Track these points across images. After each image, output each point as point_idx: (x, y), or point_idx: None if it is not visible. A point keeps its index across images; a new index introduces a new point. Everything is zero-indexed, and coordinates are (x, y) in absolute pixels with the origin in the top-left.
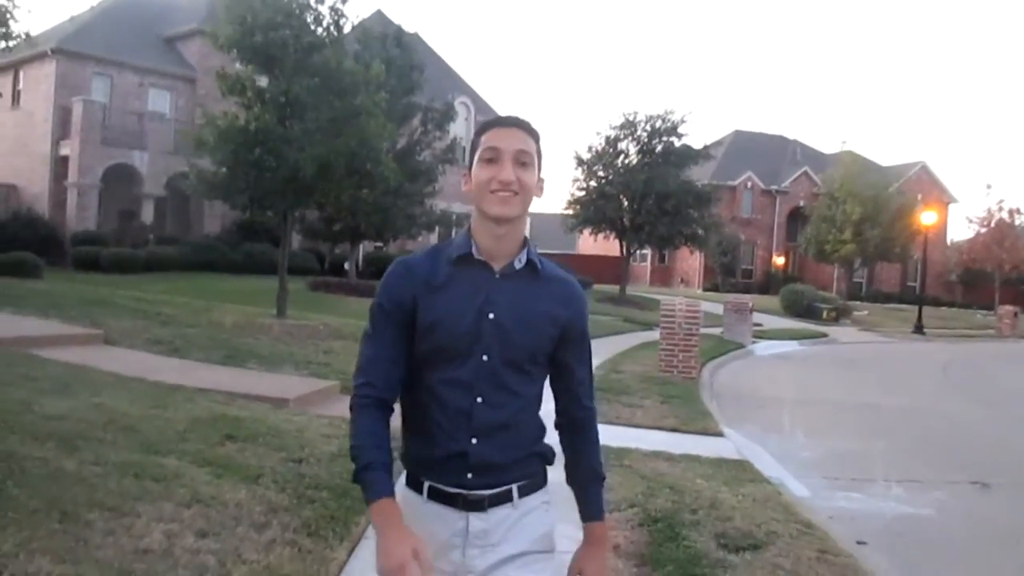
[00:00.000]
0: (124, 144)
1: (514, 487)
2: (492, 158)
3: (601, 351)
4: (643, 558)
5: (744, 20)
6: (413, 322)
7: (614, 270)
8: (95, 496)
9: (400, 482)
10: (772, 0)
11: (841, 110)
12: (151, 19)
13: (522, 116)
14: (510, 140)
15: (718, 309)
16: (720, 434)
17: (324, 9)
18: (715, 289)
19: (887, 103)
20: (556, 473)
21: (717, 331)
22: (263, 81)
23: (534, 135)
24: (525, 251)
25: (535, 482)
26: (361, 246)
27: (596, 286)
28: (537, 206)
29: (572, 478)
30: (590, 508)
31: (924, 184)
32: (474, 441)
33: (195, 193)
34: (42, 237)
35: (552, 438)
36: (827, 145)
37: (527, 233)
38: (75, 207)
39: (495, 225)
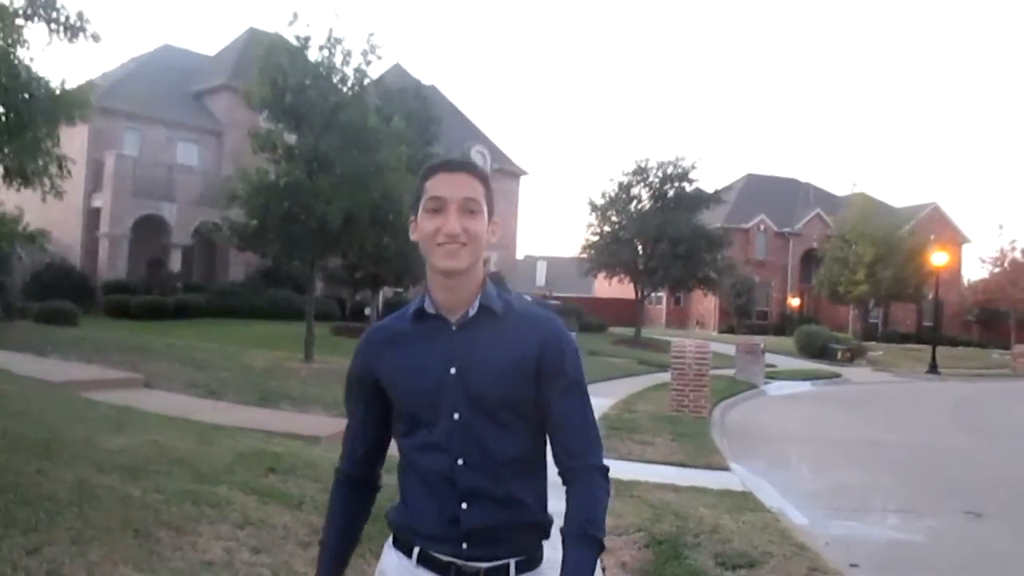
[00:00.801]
0: (153, 195)
1: (512, 563)
2: (437, 208)
3: (616, 392)
4: (647, 574)
5: (756, 65)
6: (380, 390)
7: (629, 312)
8: (160, 518)
9: (387, 543)
10: (784, 45)
11: (853, 152)
12: (180, 75)
13: (465, 159)
14: (455, 187)
15: (732, 350)
16: (726, 468)
17: (349, 71)
18: (731, 331)
19: (899, 145)
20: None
21: (730, 372)
22: (292, 138)
23: (481, 178)
24: (479, 296)
25: (533, 559)
26: (381, 292)
27: (612, 328)
28: (551, 250)
29: (561, 534)
30: (567, 569)
31: (936, 224)
32: (464, 506)
33: (229, 243)
34: (75, 285)
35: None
36: (840, 187)
37: (490, 275)
38: (106, 256)
39: (444, 278)
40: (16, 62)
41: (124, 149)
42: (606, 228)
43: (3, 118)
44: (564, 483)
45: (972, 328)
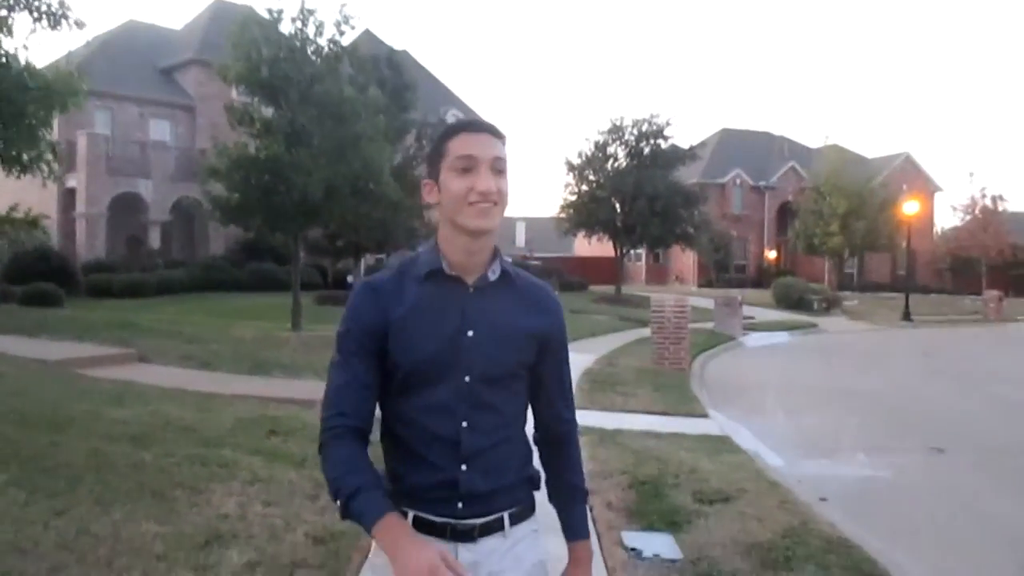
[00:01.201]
0: (128, 173)
1: (505, 515)
2: (468, 167)
3: (597, 348)
4: (631, 511)
5: (729, 19)
6: (384, 348)
7: (609, 271)
8: (174, 479)
9: None
10: None
11: (827, 104)
12: (148, 51)
13: (486, 120)
14: (485, 147)
15: (711, 304)
16: (705, 416)
17: (323, 42)
18: (709, 285)
19: (872, 96)
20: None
21: (710, 325)
22: (269, 112)
23: (503, 139)
24: (498, 261)
25: (524, 509)
26: (363, 259)
27: (592, 287)
28: (531, 211)
29: (554, 496)
30: (573, 527)
31: (909, 175)
32: (464, 468)
33: (211, 219)
34: (54, 267)
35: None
36: (814, 139)
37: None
38: (84, 236)
39: (471, 239)
40: (3, 52)
41: (96, 128)
42: (583, 187)
43: None
44: (547, 443)
45: (945, 276)
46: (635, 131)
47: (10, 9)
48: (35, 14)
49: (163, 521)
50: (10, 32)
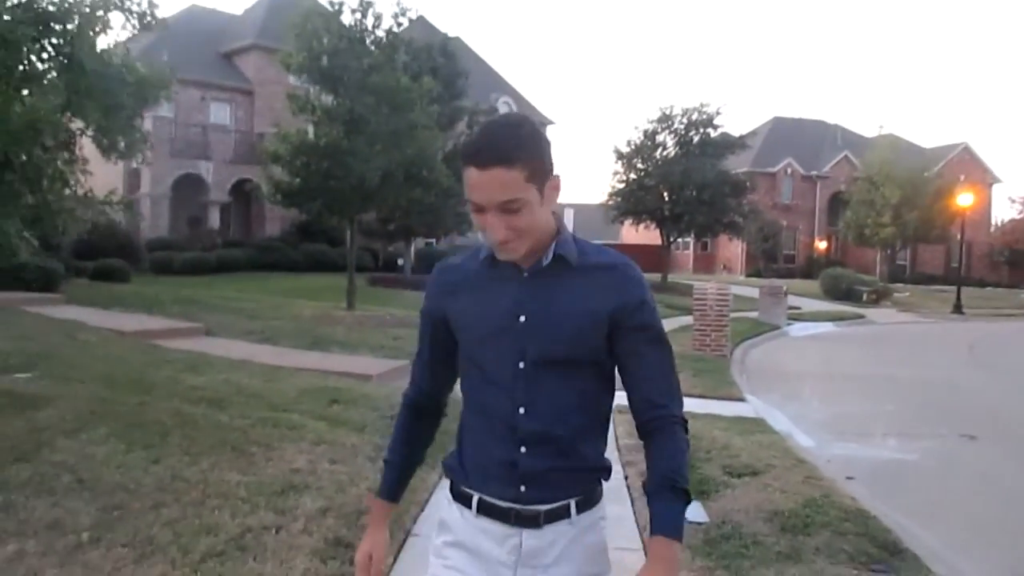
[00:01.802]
0: (190, 155)
1: (572, 502)
2: (477, 210)
3: None
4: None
5: (785, 6)
6: (449, 328)
7: (656, 258)
8: (249, 437)
9: (446, 495)
10: None
11: (884, 93)
12: (209, 36)
13: (500, 138)
14: (490, 190)
15: (757, 294)
16: (742, 399)
17: (380, 33)
18: (757, 275)
19: (931, 85)
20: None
21: (755, 314)
22: (328, 100)
23: (521, 160)
24: (554, 244)
25: (592, 498)
26: (413, 243)
27: None
28: (579, 197)
29: (647, 487)
30: (655, 520)
31: (966, 165)
32: (523, 450)
33: (272, 202)
34: (120, 245)
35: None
36: (869, 129)
37: (568, 221)
38: (148, 215)
39: None
40: (101, 50)
41: (160, 111)
42: (631, 175)
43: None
44: (643, 434)
45: (1002, 269)
46: (685, 120)
47: (106, 10)
48: (127, 15)
49: (244, 472)
50: (106, 31)
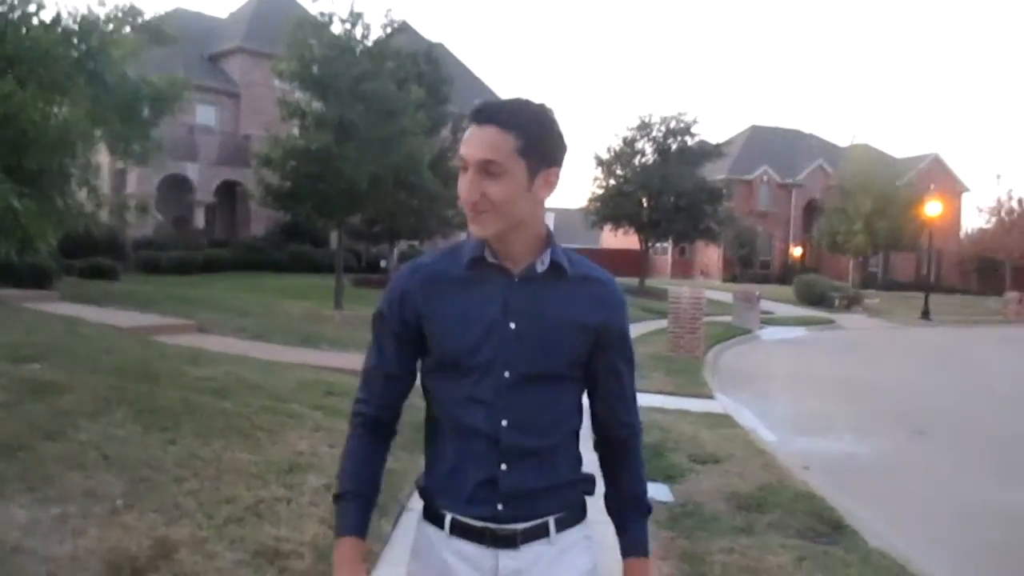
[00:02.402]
0: (176, 156)
1: (551, 520)
2: (464, 167)
3: None
4: None
5: (763, 17)
6: (419, 334)
7: (635, 263)
8: (254, 423)
9: (419, 518)
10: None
11: (859, 104)
12: (195, 38)
13: (507, 102)
14: (475, 146)
15: (732, 299)
16: (711, 397)
17: (369, 43)
18: (734, 280)
19: (904, 97)
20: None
21: (729, 319)
22: (318, 106)
23: (517, 127)
24: (548, 251)
25: (574, 514)
26: (397, 246)
27: (617, 279)
28: (560, 202)
29: (611, 507)
30: (630, 542)
31: (936, 175)
32: (504, 467)
33: (262, 204)
34: (106, 243)
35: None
36: (844, 138)
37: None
38: (134, 215)
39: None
40: (116, 63)
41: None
42: (611, 182)
43: (120, 111)
44: (606, 450)
45: (971, 277)
46: (663, 128)
47: (120, 26)
48: (139, 30)
49: (252, 452)
50: (117, 47)
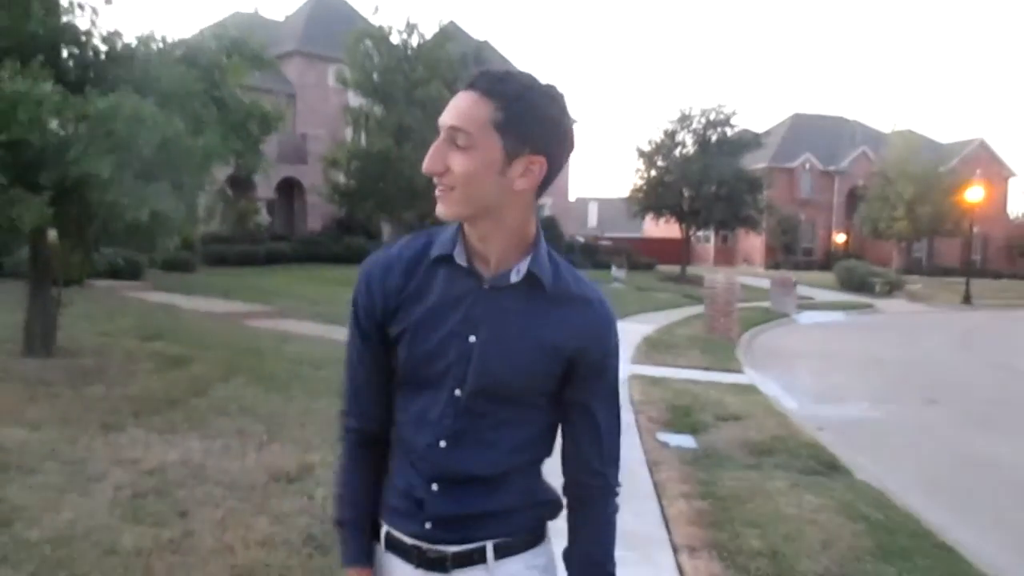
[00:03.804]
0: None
1: (488, 545)
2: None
3: (658, 320)
4: (666, 422)
5: (809, 5)
6: (387, 335)
7: (677, 251)
8: None
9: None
10: None
11: (905, 90)
12: (242, 31)
13: (501, 71)
14: (450, 111)
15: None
16: (741, 372)
17: (424, 49)
18: (776, 267)
19: (950, 81)
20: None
21: (767, 304)
22: (379, 111)
23: (500, 97)
24: (528, 258)
25: (522, 540)
26: None
27: (660, 267)
28: (603, 192)
29: (567, 567)
30: None
31: (983, 160)
32: (434, 488)
33: (329, 201)
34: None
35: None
36: (889, 125)
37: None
38: (203, 211)
39: (464, 224)
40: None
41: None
42: (652, 173)
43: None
44: (572, 499)
45: (1018, 261)
46: (703, 119)
47: (228, 55)
48: (246, 59)
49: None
50: (232, 75)
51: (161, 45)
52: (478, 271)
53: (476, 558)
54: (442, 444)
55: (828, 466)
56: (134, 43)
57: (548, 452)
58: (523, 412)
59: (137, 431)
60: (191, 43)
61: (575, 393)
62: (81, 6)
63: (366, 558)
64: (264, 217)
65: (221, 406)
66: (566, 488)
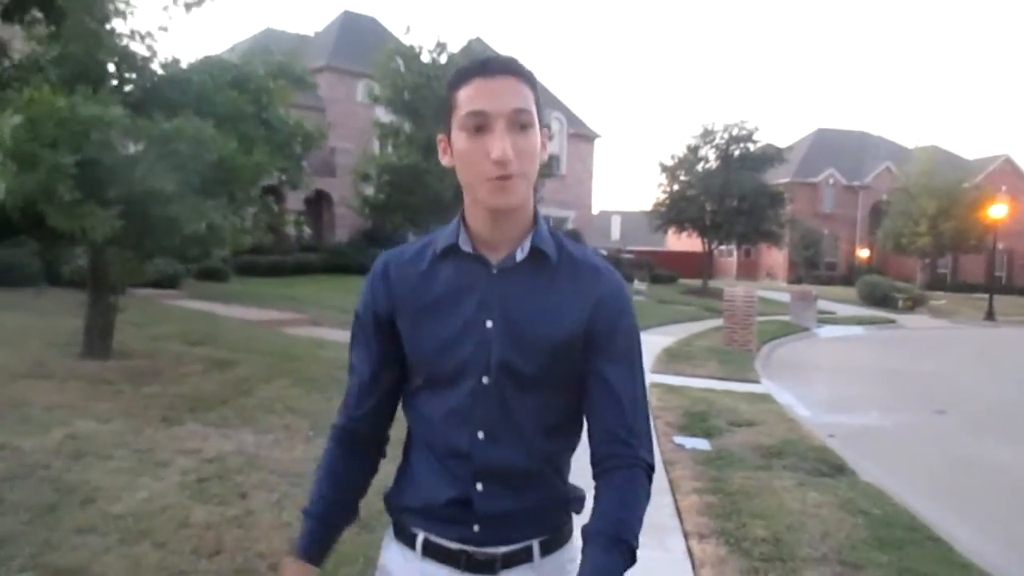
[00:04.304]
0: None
1: (535, 543)
2: (480, 125)
3: (679, 332)
4: (682, 427)
5: (833, 20)
6: (394, 334)
7: (700, 265)
8: None
9: (388, 534)
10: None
11: (932, 106)
12: (284, 57)
13: (508, 57)
14: (502, 97)
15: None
16: (757, 382)
17: (451, 65)
18: (799, 281)
19: (976, 98)
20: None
21: (788, 318)
22: (408, 127)
23: (529, 80)
24: (530, 236)
25: (560, 536)
26: None
27: (683, 280)
28: (627, 205)
29: (584, 539)
30: (592, 572)
31: (1008, 176)
32: (479, 487)
33: (359, 214)
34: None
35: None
36: (913, 140)
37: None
38: (295, 229)
39: (490, 216)
40: (276, 111)
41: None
42: (675, 187)
43: (280, 150)
44: (598, 472)
45: None
46: (726, 135)
47: (274, 78)
48: (289, 81)
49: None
50: (279, 98)
51: (215, 72)
52: (484, 256)
53: (523, 557)
54: (480, 436)
55: (834, 468)
56: (188, 66)
57: (578, 438)
58: (552, 396)
59: (194, 425)
60: (242, 68)
61: (591, 362)
62: (141, 35)
63: (309, 553)
64: (307, 231)
65: (267, 405)
66: (593, 463)
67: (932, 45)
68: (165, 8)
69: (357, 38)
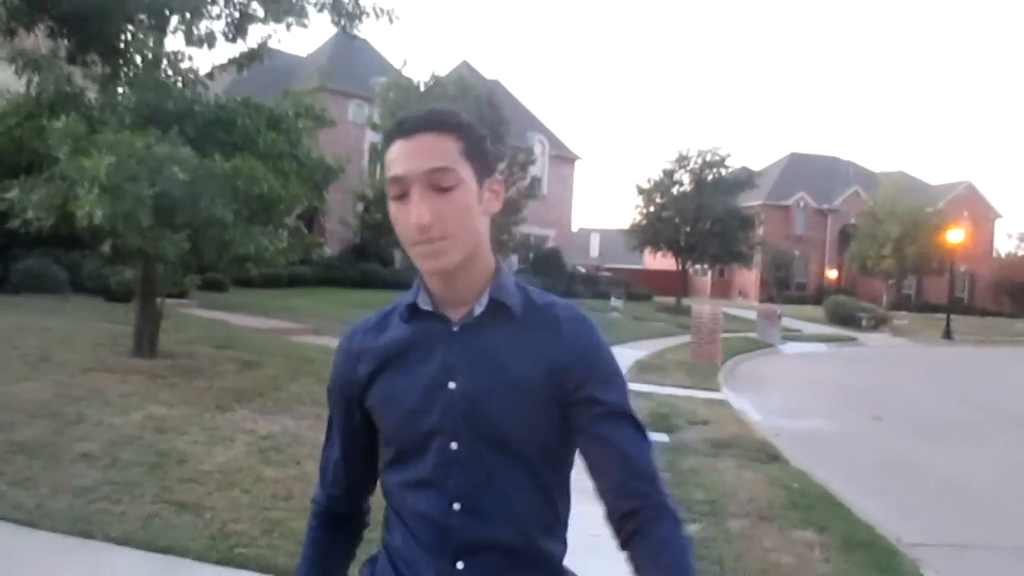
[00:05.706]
0: None
1: None
2: (400, 192)
3: (651, 347)
4: (647, 426)
5: (807, 48)
6: (364, 407)
7: (675, 283)
8: None
9: None
10: (835, 28)
11: (900, 132)
12: (280, 76)
13: (432, 110)
14: (414, 158)
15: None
16: (718, 390)
17: (448, 98)
18: (770, 301)
19: (941, 125)
20: None
21: (754, 335)
22: None
23: (457, 129)
24: (488, 290)
25: None
26: None
27: (658, 298)
28: (606, 223)
29: None
30: None
31: (970, 201)
32: (460, 565)
33: (357, 234)
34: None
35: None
36: (881, 165)
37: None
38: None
39: (438, 277)
40: (303, 149)
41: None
42: (651, 209)
43: (309, 183)
44: (627, 534)
45: (1003, 300)
46: (699, 160)
47: (299, 115)
48: (313, 120)
49: None
50: (299, 136)
51: (254, 115)
52: (444, 314)
53: None
54: (456, 507)
55: (771, 457)
56: (231, 105)
57: (568, 507)
58: (534, 452)
59: (243, 411)
60: (274, 111)
61: (579, 414)
62: (195, 82)
63: None
64: (326, 249)
65: (297, 398)
66: (617, 525)
67: (902, 73)
68: (218, 65)
69: (349, 59)
